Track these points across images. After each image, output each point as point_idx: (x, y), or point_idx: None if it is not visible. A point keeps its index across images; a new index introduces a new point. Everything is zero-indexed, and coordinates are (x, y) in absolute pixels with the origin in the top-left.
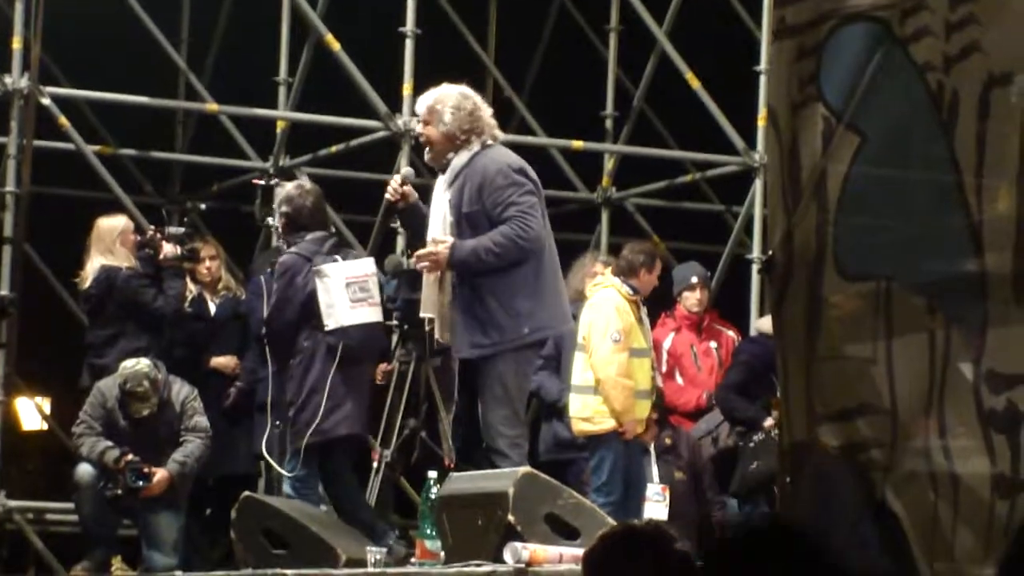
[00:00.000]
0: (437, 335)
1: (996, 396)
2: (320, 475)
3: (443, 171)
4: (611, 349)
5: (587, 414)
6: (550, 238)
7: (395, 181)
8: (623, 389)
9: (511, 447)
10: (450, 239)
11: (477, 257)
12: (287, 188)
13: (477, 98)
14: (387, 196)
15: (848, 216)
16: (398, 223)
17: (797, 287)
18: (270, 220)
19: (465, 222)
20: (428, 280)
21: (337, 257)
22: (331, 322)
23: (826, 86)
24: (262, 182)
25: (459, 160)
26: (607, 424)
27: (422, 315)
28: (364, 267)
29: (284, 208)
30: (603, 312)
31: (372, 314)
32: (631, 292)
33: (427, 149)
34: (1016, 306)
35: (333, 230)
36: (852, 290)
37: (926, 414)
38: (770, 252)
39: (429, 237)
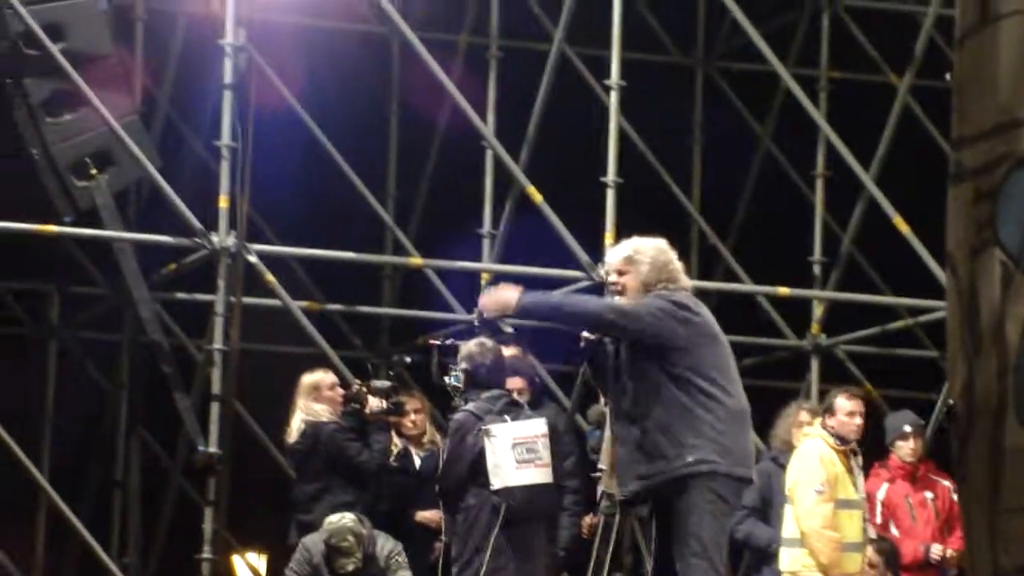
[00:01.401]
0: (602, 486)
1: None
2: None
3: None
4: (814, 500)
5: (795, 568)
6: (718, 379)
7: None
8: (828, 542)
9: None
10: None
11: (546, 302)
12: (469, 345)
13: (672, 252)
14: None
15: None
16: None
17: (979, 437)
18: (446, 380)
19: (621, 355)
20: (608, 434)
21: (507, 417)
22: (497, 482)
23: (1003, 230)
24: (438, 343)
25: None
26: None
27: (600, 466)
28: (533, 428)
29: (464, 364)
30: (807, 462)
31: (539, 475)
32: (838, 442)
33: (619, 297)
34: None
35: (532, 381)
36: None
37: None
38: (951, 401)
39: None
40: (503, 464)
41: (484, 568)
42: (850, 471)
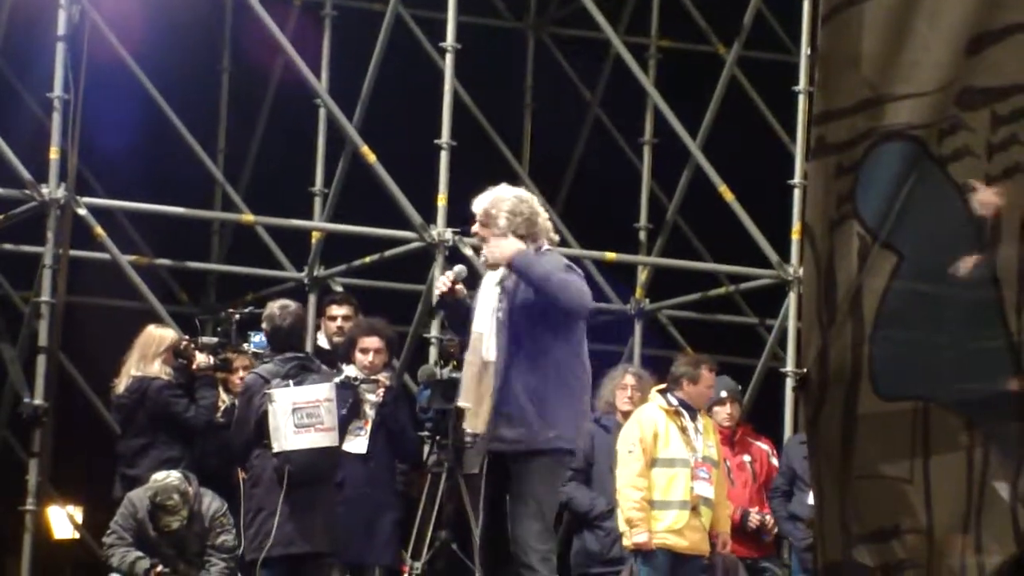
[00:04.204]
0: (466, 425)
1: None
2: None
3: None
4: (624, 460)
5: (622, 528)
6: (586, 356)
7: (448, 276)
8: (628, 500)
9: (541, 562)
10: (520, 244)
11: (540, 266)
12: (271, 306)
13: (534, 202)
14: (437, 288)
15: (884, 334)
16: (442, 316)
17: (832, 405)
18: (246, 347)
19: (520, 313)
20: (470, 373)
21: (289, 382)
22: (276, 445)
23: (862, 204)
24: (237, 311)
25: None
26: (633, 536)
27: (459, 404)
28: (316, 393)
29: (264, 325)
30: (630, 424)
31: (319, 439)
32: (668, 404)
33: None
34: None
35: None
36: (888, 409)
37: (963, 533)
38: (804, 370)
39: (475, 330)
40: (282, 428)
41: (264, 526)
42: (683, 431)
